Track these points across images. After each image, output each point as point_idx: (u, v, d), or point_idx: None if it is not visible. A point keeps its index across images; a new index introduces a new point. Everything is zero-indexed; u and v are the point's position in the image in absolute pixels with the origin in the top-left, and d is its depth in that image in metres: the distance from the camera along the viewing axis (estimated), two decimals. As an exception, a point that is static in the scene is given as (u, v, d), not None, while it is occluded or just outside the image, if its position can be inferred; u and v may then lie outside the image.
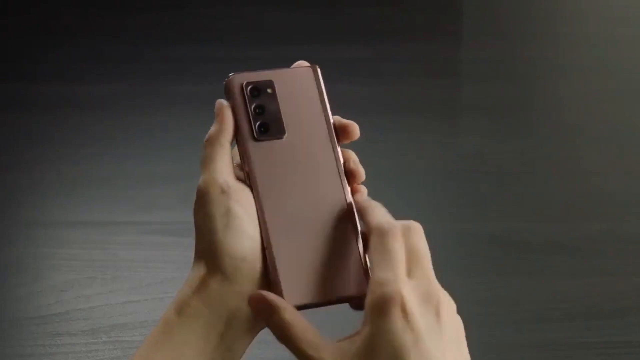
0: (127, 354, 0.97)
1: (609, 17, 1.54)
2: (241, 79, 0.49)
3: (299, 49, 1.41)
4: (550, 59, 1.45)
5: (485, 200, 1.19)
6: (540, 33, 1.51)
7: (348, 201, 0.48)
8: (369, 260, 0.43)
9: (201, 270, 0.45)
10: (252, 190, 0.47)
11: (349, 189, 0.48)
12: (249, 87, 0.49)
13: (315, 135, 0.49)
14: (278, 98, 0.49)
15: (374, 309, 0.40)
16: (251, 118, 0.48)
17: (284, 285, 0.45)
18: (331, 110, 0.50)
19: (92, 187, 1.21)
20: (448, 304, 0.42)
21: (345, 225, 0.47)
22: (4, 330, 1.02)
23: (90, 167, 1.24)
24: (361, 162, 0.50)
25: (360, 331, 0.41)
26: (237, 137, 0.48)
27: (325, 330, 0.43)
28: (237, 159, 0.49)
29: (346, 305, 0.46)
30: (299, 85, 0.50)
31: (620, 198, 1.20)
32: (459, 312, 0.44)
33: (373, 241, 0.43)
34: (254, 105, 0.49)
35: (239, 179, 0.48)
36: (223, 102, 0.49)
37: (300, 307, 0.45)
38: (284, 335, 0.42)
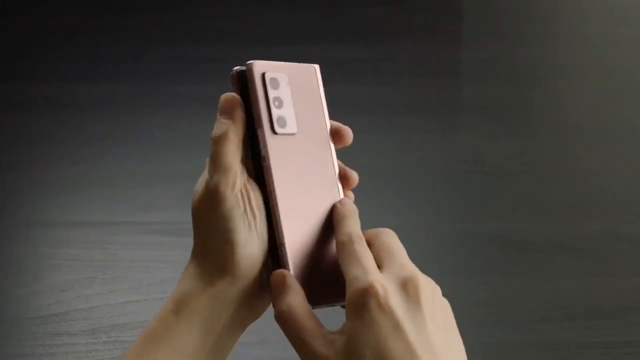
0: (127, 354, 0.97)
1: (609, 17, 1.54)
2: (261, 68, 0.46)
3: (299, 49, 1.41)
4: (550, 59, 1.45)
5: (485, 200, 1.19)
6: (540, 33, 1.51)
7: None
8: (342, 270, 0.43)
9: (206, 269, 0.45)
10: (266, 184, 0.46)
11: (342, 192, 0.48)
12: (270, 78, 0.46)
13: (318, 135, 0.48)
14: (291, 93, 0.47)
15: (350, 304, 0.41)
16: (271, 110, 0.46)
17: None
18: (331, 110, 0.50)
19: (92, 187, 1.21)
20: (430, 289, 0.42)
21: None
22: (4, 330, 1.02)
23: (90, 167, 1.24)
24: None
25: (344, 325, 0.41)
26: (255, 128, 0.46)
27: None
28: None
29: None
30: (305, 82, 0.49)
31: (620, 198, 1.20)
32: (459, 312, 0.44)
33: (338, 251, 0.44)
34: (273, 97, 0.46)
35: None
36: (235, 97, 0.46)
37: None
38: (288, 317, 0.42)
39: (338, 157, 0.49)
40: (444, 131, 1.31)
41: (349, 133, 0.49)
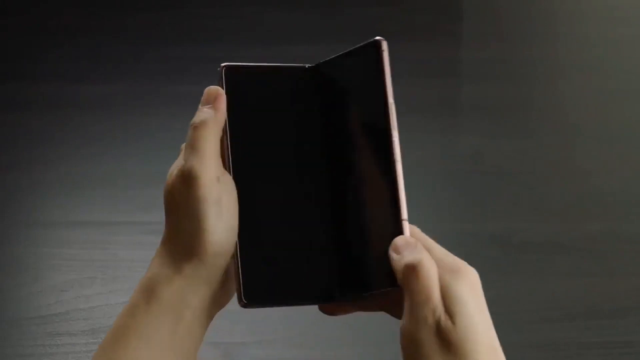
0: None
1: (609, 17, 1.53)
2: (386, 45, 0.48)
3: (299, 49, 1.41)
4: (550, 59, 1.45)
5: (485, 200, 1.19)
6: (540, 33, 1.51)
7: None
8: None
9: (174, 253, 0.45)
10: (390, 154, 0.46)
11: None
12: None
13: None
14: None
15: None
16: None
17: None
18: None
19: (92, 187, 1.21)
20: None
21: None
22: (4, 330, 1.02)
23: (90, 167, 1.24)
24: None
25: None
26: (386, 101, 0.49)
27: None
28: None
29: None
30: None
31: (620, 198, 1.20)
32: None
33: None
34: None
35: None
36: (220, 90, 0.47)
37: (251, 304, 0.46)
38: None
39: None
40: (444, 131, 1.31)
41: None
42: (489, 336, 0.43)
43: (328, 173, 0.48)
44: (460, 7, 1.56)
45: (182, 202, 0.45)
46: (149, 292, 0.45)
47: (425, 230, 0.46)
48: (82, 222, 1.15)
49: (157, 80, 1.39)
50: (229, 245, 0.45)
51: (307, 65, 0.51)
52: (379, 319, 0.50)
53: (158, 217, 0.48)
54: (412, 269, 0.42)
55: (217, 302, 0.47)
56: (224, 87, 0.48)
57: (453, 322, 0.41)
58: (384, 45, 0.47)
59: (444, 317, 0.41)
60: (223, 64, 0.48)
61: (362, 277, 0.46)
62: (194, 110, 0.49)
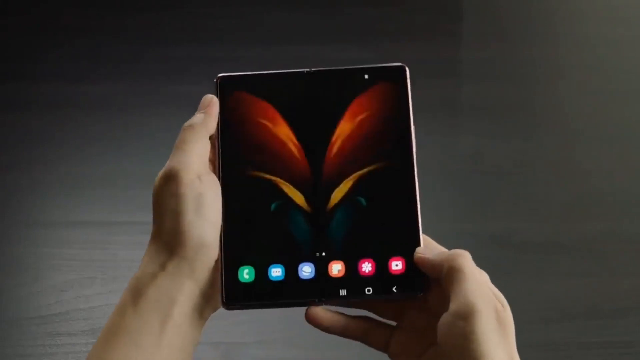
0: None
1: (609, 17, 1.53)
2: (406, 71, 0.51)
3: (299, 49, 1.41)
4: (550, 59, 1.45)
5: (485, 200, 1.19)
6: (540, 33, 1.51)
7: None
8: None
9: (159, 253, 0.47)
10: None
11: None
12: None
13: None
14: None
15: None
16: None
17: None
18: None
19: (92, 187, 1.21)
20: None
21: None
22: (4, 330, 1.02)
23: (90, 167, 1.24)
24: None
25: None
26: (409, 124, 0.50)
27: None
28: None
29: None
30: None
31: (620, 198, 1.20)
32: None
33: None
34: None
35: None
36: (214, 98, 0.50)
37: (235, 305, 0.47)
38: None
39: None
40: (444, 131, 1.31)
41: None
42: None
43: (318, 179, 0.49)
44: (460, 7, 1.56)
45: (165, 200, 0.46)
46: (136, 291, 0.46)
47: (425, 230, 0.47)
48: (82, 222, 1.15)
49: (157, 80, 1.39)
50: (210, 241, 0.46)
51: (305, 70, 0.51)
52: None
53: (158, 217, 0.48)
54: (458, 270, 0.49)
55: (209, 302, 0.47)
56: (218, 95, 0.50)
57: (503, 306, 0.47)
58: (407, 72, 0.51)
59: (499, 304, 0.47)
60: (219, 75, 0.51)
61: (377, 283, 0.48)
62: (193, 110, 0.50)
